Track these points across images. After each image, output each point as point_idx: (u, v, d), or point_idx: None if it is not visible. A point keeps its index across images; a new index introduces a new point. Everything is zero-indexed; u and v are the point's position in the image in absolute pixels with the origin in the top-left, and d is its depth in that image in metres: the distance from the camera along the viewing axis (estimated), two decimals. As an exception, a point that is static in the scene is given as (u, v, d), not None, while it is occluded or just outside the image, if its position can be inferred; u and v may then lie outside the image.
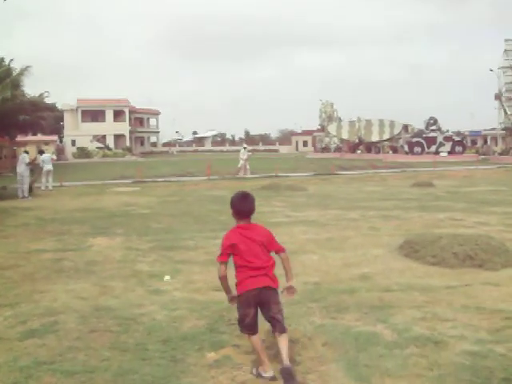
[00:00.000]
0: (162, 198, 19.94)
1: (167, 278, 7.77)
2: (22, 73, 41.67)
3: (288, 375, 4.20)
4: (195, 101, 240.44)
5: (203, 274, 7.95)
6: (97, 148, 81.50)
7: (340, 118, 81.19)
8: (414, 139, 60.44)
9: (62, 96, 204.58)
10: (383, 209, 15.52)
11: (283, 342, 4.40)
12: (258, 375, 4.40)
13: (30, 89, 47.16)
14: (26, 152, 23.87)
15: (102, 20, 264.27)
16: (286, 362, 4.28)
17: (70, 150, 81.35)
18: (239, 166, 32.65)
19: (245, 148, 33.89)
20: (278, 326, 4.46)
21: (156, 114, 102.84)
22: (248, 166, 32.84)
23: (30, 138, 73.16)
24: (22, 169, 22.02)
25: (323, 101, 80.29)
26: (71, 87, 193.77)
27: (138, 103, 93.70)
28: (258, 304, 4.46)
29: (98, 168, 46.77)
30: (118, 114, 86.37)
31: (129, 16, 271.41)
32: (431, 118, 61.52)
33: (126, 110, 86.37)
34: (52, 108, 69.15)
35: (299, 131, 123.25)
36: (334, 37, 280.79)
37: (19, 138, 59.51)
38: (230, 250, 4.48)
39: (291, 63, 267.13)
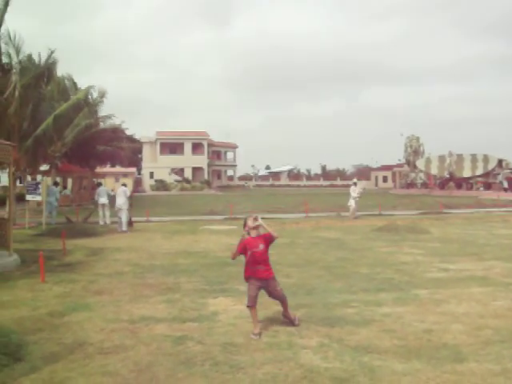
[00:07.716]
0: (268, 239, 17.09)
1: None
2: (100, 100, 41.81)
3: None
4: (265, 136, 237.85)
5: (416, 379, 5.03)
6: (175, 181, 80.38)
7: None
8: (516, 175, 55.69)
9: (140, 129, 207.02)
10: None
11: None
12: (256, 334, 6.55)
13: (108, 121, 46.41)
14: (124, 185, 21.97)
15: (174, 60, 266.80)
16: None
17: (148, 182, 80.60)
18: (349, 204, 26.68)
19: (355, 183, 27.89)
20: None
21: (233, 147, 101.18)
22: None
23: (108, 169, 72.77)
24: (121, 201, 20.73)
25: (409, 135, 75.47)
26: (149, 122, 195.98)
27: (213, 137, 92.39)
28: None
29: (180, 202, 44.60)
30: (196, 147, 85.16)
31: (202, 55, 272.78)
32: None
33: (205, 143, 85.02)
34: (131, 139, 68.35)
35: (375, 166, 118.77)
36: (403, 74, 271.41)
37: (98, 169, 58.44)
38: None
39: (356, 99, 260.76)
